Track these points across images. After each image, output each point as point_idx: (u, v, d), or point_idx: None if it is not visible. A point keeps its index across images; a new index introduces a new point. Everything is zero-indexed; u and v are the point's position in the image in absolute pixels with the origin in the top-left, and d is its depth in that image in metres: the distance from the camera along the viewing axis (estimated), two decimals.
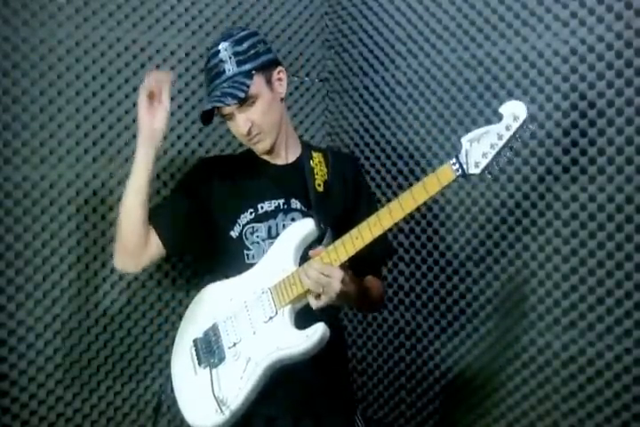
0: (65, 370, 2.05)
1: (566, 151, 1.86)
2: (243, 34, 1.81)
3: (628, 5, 1.74)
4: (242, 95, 1.73)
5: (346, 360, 1.99)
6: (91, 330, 2.09)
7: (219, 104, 1.74)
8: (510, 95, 1.99)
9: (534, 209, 1.94)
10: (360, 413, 1.91)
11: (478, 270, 2.10)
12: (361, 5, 2.49)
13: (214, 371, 1.73)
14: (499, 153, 1.47)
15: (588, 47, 1.81)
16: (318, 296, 1.63)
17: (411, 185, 2.26)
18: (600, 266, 1.81)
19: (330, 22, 2.61)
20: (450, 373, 2.20)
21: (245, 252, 1.83)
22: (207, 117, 1.83)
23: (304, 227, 1.76)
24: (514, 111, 1.46)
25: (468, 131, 2.08)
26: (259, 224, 1.82)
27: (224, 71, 1.76)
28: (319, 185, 1.84)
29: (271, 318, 1.70)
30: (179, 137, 2.25)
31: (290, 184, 1.86)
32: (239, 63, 1.76)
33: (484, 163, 1.47)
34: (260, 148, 1.86)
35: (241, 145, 2.11)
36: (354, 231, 1.62)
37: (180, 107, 2.24)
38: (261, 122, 1.79)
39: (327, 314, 1.69)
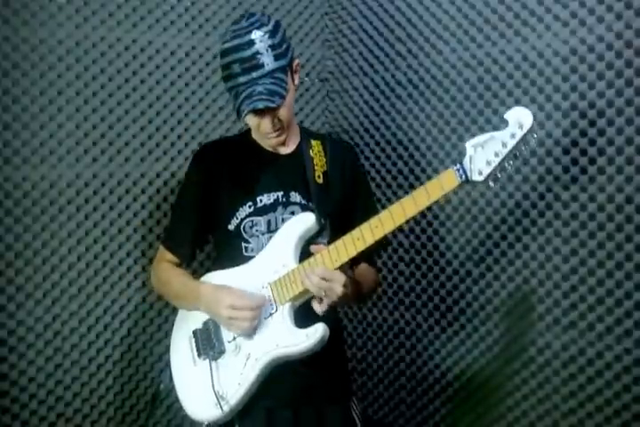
0: (65, 370, 2.05)
1: (566, 151, 1.86)
2: (273, 23, 1.72)
3: (628, 5, 1.74)
4: (285, 93, 1.69)
5: (343, 349, 1.98)
6: (91, 330, 2.09)
7: (271, 105, 1.66)
8: (510, 95, 1.99)
9: (534, 209, 1.94)
10: (355, 398, 1.89)
11: (478, 270, 2.10)
12: (361, 5, 2.49)
13: (214, 364, 1.73)
14: (503, 161, 1.45)
15: (588, 47, 1.81)
16: (320, 300, 1.63)
17: (411, 185, 2.30)
18: (600, 266, 1.81)
19: (330, 22, 2.61)
20: (450, 373, 2.20)
21: (244, 244, 1.81)
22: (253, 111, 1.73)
23: (304, 221, 1.74)
24: (519, 119, 1.44)
25: (467, 131, 2.11)
26: (258, 218, 1.80)
27: (263, 65, 1.67)
28: (319, 177, 1.82)
29: (271, 314, 1.70)
30: (179, 137, 2.25)
31: (289, 176, 1.83)
32: (276, 57, 1.68)
33: (487, 170, 1.46)
34: (275, 142, 1.81)
35: None
36: (355, 232, 1.61)
37: (180, 107, 2.25)
38: (286, 118, 1.76)
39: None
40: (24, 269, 1.98)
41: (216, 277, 1.83)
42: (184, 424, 2.21)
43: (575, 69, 1.84)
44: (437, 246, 2.22)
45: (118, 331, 2.14)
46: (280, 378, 1.71)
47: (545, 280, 1.92)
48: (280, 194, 1.80)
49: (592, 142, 1.81)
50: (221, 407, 1.68)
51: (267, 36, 1.68)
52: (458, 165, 1.49)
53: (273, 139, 1.79)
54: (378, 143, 2.43)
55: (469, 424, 2.14)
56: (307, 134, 1.91)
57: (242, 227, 1.80)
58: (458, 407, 2.18)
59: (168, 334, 1.97)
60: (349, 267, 1.83)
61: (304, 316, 1.67)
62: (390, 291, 2.37)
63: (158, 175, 2.20)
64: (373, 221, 1.59)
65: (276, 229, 1.77)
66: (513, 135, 1.44)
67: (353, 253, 1.61)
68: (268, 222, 1.79)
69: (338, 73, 2.59)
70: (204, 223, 1.88)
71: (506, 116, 1.46)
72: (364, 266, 1.89)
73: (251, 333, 1.70)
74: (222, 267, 1.84)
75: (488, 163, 1.46)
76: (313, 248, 1.67)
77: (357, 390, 2.47)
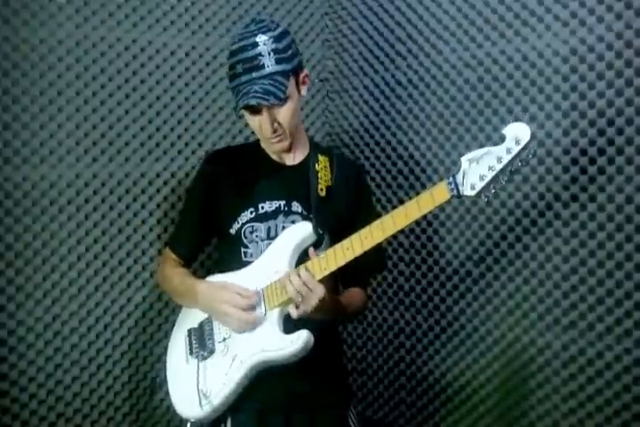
0: (65, 370, 2.05)
1: (566, 151, 1.86)
2: (280, 30, 1.77)
3: (628, 5, 1.74)
4: (282, 96, 1.72)
5: (340, 356, 1.99)
6: (91, 330, 2.09)
7: (263, 102, 1.71)
8: (510, 95, 1.99)
9: (534, 209, 1.94)
10: (354, 407, 1.90)
11: (478, 270, 2.10)
12: (361, 5, 2.49)
13: (202, 363, 1.77)
14: (497, 176, 1.45)
15: (588, 47, 1.81)
16: (297, 306, 1.66)
17: (411, 185, 2.30)
18: (600, 266, 1.81)
19: (330, 22, 2.61)
20: (450, 373, 2.20)
21: (243, 249, 1.84)
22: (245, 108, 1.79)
23: (302, 230, 1.77)
24: (516, 134, 1.43)
25: (467, 131, 2.11)
26: (258, 224, 1.83)
27: (263, 66, 1.72)
28: (322, 190, 1.84)
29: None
30: (179, 137, 2.25)
31: (293, 186, 1.86)
32: (278, 61, 1.73)
33: (480, 185, 1.46)
34: (277, 147, 1.85)
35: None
36: (345, 242, 1.64)
37: (180, 107, 2.25)
38: (287, 124, 1.79)
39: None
40: (24, 269, 1.98)
41: (213, 280, 1.87)
42: (183, 425, 2.21)
43: (575, 69, 1.84)
44: (437, 246, 2.22)
45: (118, 331, 2.14)
46: (274, 382, 1.73)
47: (545, 280, 1.92)
48: (282, 203, 1.83)
49: (592, 142, 1.81)
50: (202, 407, 1.71)
51: (271, 40, 1.74)
52: (450, 179, 1.49)
53: (275, 144, 1.82)
54: (378, 143, 2.43)
55: (469, 424, 2.14)
56: (316, 149, 1.94)
57: (242, 232, 1.83)
58: (458, 408, 2.18)
59: (168, 335, 1.98)
60: (336, 286, 1.87)
61: (294, 322, 1.68)
62: (390, 291, 2.38)
63: (158, 175, 2.20)
64: (364, 231, 1.62)
65: (276, 236, 1.81)
66: (509, 150, 1.43)
67: (342, 262, 1.64)
68: (268, 229, 1.82)
69: (338, 73, 2.59)
70: (206, 226, 1.92)
71: (504, 131, 1.45)
72: (355, 290, 1.91)
73: (245, 330, 1.72)
74: (221, 270, 1.88)
75: (481, 178, 1.46)
76: (311, 252, 1.70)
77: (357, 391, 2.47)
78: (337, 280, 1.89)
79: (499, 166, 1.44)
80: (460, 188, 1.48)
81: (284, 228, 1.81)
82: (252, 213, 1.84)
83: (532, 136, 1.42)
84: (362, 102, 2.49)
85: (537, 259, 1.94)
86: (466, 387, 2.15)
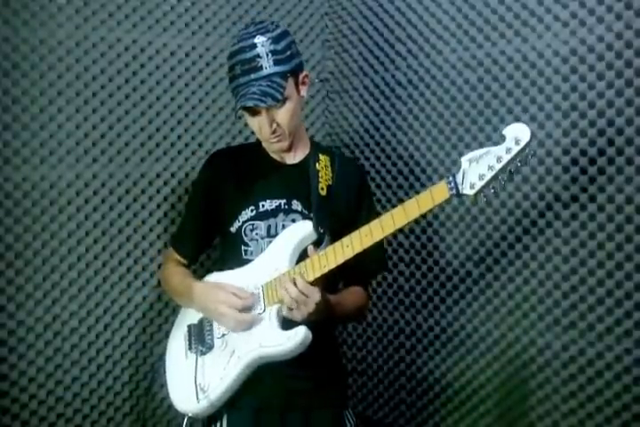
0: (65, 370, 2.05)
1: (566, 152, 1.86)
2: (279, 31, 1.78)
3: (628, 6, 1.74)
4: (280, 97, 1.73)
5: (338, 357, 1.99)
6: (91, 330, 2.09)
7: (261, 104, 1.72)
8: (510, 95, 1.99)
9: (534, 209, 1.94)
10: (351, 408, 1.91)
11: (478, 271, 2.10)
12: (361, 5, 2.49)
13: (201, 358, 1.78)
14: (496, 176, 1.46)
15: (588, 47, 1.81)
16: (290, 309, 1.67)
17: (411, 185, 2.30)
18: (600, 266, 1.81)
19: (330, 22, 2.61)
20: (450, 373, 2.20)
21: (243, 247, 1.85)
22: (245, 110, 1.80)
23: (302, 229, 1.78)
24: (516, 134, 1.44)
25: (467, 131, 2.11)
26: (259, 222, 1.84)
27: (261, 68, 1.73)
28: (322, 188, 1.85)
29: (259, 314, 1.73)
30: (179, 137, 2.25)
31: (293, 185, 1.87)
32: (276, 62, 1.74)
33: (479, 185, 1.47)
34: (277, 147, 1.86)
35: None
36: (345, 239, 1.65)
37: (179, 107, 2.25)
38: (286, 124, 1.80)
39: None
40: (24, 269, 1.98)
41: (214, 279, 1.89)
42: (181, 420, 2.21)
43: (575, 70, 1.84)
44: (437, 247, 2.22)
45: (118, 331, 2.14)
46: (270, 380, 1.74)
47: (545, 280, 1.92)
48: (283, 201, 1.84)
49: (592, 143, 1.81)
50: (199, 400, 1.73)
51: (269, 41, 1.74)
52: (450, 178, 1.51)
53: (274, 144, 1.84)
54: (378, 143, 2.43)
55: (469, 425, 2.14)
56: (317, 148, 1.95)
57: (243, 230, 1.84)
58: (458, 408, 2.18)
59: (168, 335, 1.98)
60: (335, 286, 1.88)
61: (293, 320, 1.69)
62: (390, 291, 2.38)
63: (158, 176, 2.20)
64: (363, 229, 1.63)
65: (276, 234, 1.81)
66: (509, 150, 1.44)
67: (341, 260, 1.64)
68: (268, 227, 1.83)
69: (338, 73, 2.59)
70: (208, 226, 1.94)
71: (504, 131, 1.46)
72: (355, 289, 1.91)
73: (240, 330, 1.73)
74: (222, 269, 1.89)
75: (481, 177, 1.47)
76: (311, 251, 1.70)
77: (357, 391, 2.48)
78: (336, 280, 1.89)
79: (498, 166, 1.45)
80: (460, 187, 1.49)
81: (284, 226, 1.82)
82: (252, 211, 1.85)
83: (532, 136, 1.43)
84: (362, 103, 2.49)
85: (537, 259, 1.94)
86: (466, 387, 2.15)
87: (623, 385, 1.77)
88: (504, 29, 2.01)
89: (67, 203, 2.05)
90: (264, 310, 1.73)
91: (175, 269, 1.96)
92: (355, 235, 1.64)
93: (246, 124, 2.28)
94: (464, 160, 1.50)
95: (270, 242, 1.81)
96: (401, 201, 2.28)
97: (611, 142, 1.77)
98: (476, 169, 1.47)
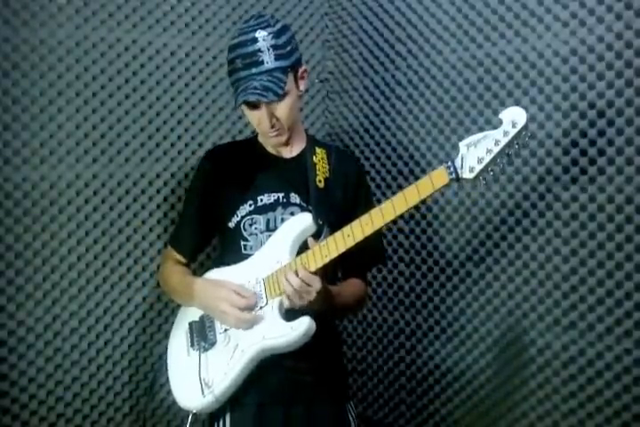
0: (65, 371, 2.05)
1: (566, 152, 1.86)
2: (279, 26, 1.79)
3: (628, 6, 1.74)
4: (281, 92, 1.74)
5: (339, 350, 2.00)
6: (91, 330, 2.09)
7: (262, 99, 1.73)
8: (510, 96, 1.99)
9: (534, 209, 1.94)
10: (353, 402, 1.92)
11: (478, 271, 2.10)
12: (361, 6, 2.49)
13: (204, 355, 1.78)
14: (494, 159, 1.48)
15: (588, 48, 1.81)
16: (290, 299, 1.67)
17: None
18: (600, 266, 1.81)
19: (330, 23, 2.61)
20: (450, 373, 2.20)
21: (243, 242, 1.85)
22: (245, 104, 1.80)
23: (302, 221, 1.78)
24: (513, 118, 1.46)
25: (467, 131, 2.11)
26: (258, 216, 1.84)
27: (262, 62, 1.73)
28: (320, 181, 1.86)
29: (261, 307, 1.74)
30: (179, 137, 2.25)
31: (290, 178, 1.88)
32: (277, 57, 1.74)
33: (478, 168, 1.48)
34: (275, 141, 1.87)
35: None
36: (346, 229, 1.65)
37: (180, 107, 2.24)
38: (285, 119, 1.80)
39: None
40: (24, 269, 1.98)
41: (214, 275, 1.89)
42: (184, 419, 2.21)
43: (575, 70, 1.84)
44: (437, 247, 2.22)
45: (118, 331, 2.14)
46: (273, 374, 1.75)
47: (545, 281, 1.92)
48: (281, 195, 1.84)
49: (592, 143, 1.81)
50: (205, 395, 1.73)
51: (270, 36, 1.75)
52: (449, 163, 1.52)
53: (273, 138, 1.84)
54: (378, 143, 2.43)
55: (470, 425, 2.14)
56: (314, 142, 1.96)
57: (242, 225, 1.84)
58: (458, 408, 2.18)
59: (168, 335, 1.98)
60: (335, 277, 1.90)
61: (296, 311, 1.69)
62: (390, 291, 2.38)
63: (158, 176, 2.20)
64: (364, 218, 1.63)
65: (275, 228, 1.82)
66: (506, 133, 1.46)
67: (342, 249, 1.64)
68: (267, 221, 1.83)
69: (338, 73, 2.59)
70: (207, 223, 1.94)
71: (500, 115, 1.48)
72: (353, 281, 1.92)
73: (242, 328, 1.74)
74: (222, 264, 1.90)
75: (479, 160, 1.48)
76: (311, 242, 1.71)
77: (357, 391, 2.47)
78: (335, 271, 1.89)
79: (496, 149, 1.47)
80: (459, 171, 1.50)
81: (282, 220, 1.83)
82: (250, 205, 1.85)
83: (528, 118, 1.45)
84: (362, 103, 2.49)
85: (537, 259, 1.94)
86: (466, 387, 2.15)
87: (623, 385, 1.77)
88: (504, 29, 2.01)
89: (67, 203, 2.05)
90: (266, 303, 1.73)
91: (174, 267, 1.97)
92: (355, 223, 1.64)
93: (247, 124, 2.29)
94: (462, 145, 1.51)
95: (270, 236, 1.81)
96: None
97: (611, 142, 1.77)
98: (475, 153, 1.49)
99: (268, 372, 1.74)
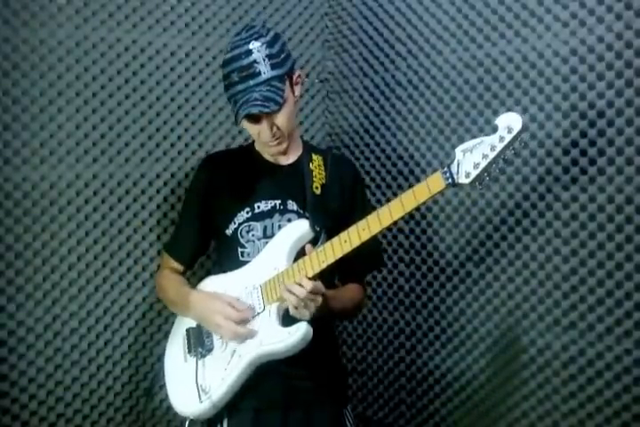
0: (65, 371, 2.05)
1: (566, 152, 1.86)
2: (272, 35, 1.79)
3: (628, 6, 1.74)
4: (281, 100, 1.74)
5: (336, 355, 2.00)
6: (91, 330, 2.09)
7: (265, 109, 1.72)
8: (510, 96, 1.99)
9: (534, 210, 1.94)
10: (351, 409, 1.92)
11: (478, 271, 2.10)
12: (361, 6, 2.49)
13: (201, 361, 1.78)
14: (490, 164, 1.48)
15: (588, 48, 1.81)
16: (295, 308, 1.66)
17: (411, 186, 2.27)
18: (600, 267, 1.81)
19: (330, 23, 2.61)
20: (450, 373, 2.20)
21: (240, 249, 1.85)
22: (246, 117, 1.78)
23: (299, 228, 1.78)
24: (509, 123, 1.46)
25: (467, 132, 2.11)
26: (255, 223, 1.85)
27: (260, 73, 1.73)
28: (316, 188, 1.86)
29: (258, 313, 1.74)
30: (179, 138, 2.25)
31: (287, 185, 1.88)
32: (273, 66, 1.74)
33: (474, 173, 1.49)
34: (275, 150, 1.86)
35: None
36: (343, 234, 1.65)
37: (179, 108, 2.24)
38: (285, 126, 1.80)
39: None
40: (24, 269, 1.98)
41: (211, 283, 1.90)
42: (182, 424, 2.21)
43: (575, 70, 1.84)
44: (437, 247, 2.22)
45: (118, 331, 2.14)
46: (270, 380, 1.75)
47: (545, 281, 1.92)
48: (278, 202, 1.85)
49: (592, 143, 1.81)
50: (202, 401, 1.72)
51: (264, 46, 1.75)
52: (445, 168, 1.52)
53: (273, 147, 1.84)
54: (378, 144, 2.43)
55: (470, 425, 2.14)
56: (309, 149, 1.96)
57: (239, 232, 1.84)
58: (458, 408, 2.18)
59: (168, 335, 1.98)
60: (332, 279, 1.89)
61: (294, 317, 1.69)
62: (390, 291, 2.37)
63: (158, 176, 2.20)
64: (361, 223, 1.63)
65: (272, 235, 1.82)
66: (502, 138, 1.47)
67: (340, 254, 1.65)
68: (265, 228, 1.84)
69: (338, 74, 2.59)
70: (204, 230, 1.95)
71: (496, 121, 1.48)
72: (351, 285, 1.93)
73: (236, 341, 1.73)
74: (219, 272, 1.90)
75: (475, 166, 1.49)
76: (307, 249, 1.71)
77: (357, 391, 2.47)
78: (333, 277, 1.89)
79: (492, 154, 1.47)
80: (455, 176, 1.51)
81: (280, 226, 1.83)
82: (247, 212, 1.86)
83: (524, 124, 1.45)
84: (362, 103, 2.49)
85: (537, 259, 1.94)
86: (466, 387, 2.15)
87: (623, 385, 1.77)
88: (504, 29, 2.01)
89: (67, 203, 2.05)
90: (263, 309, 1.73)
91: (170, 276, 1.97)
92: (352, 229, 1.64)
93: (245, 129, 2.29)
94: (458, 151, 1.52)
95: (267, 243, 1.81)
96: None
97: (611, 143, 1.77)
98: (471, 158, 1.49)
99: (266, 377, 1.74)
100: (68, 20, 2.04)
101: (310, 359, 1.73)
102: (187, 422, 1.79)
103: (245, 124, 1.83)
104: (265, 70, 1.73)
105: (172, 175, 2.23)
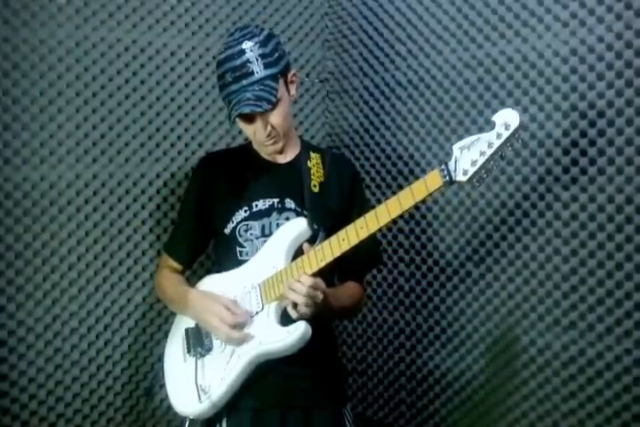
0: (65, 371, 2.05)
1: (566, 152, 1.86)
2: (265, 34, 1.79)
3: (628, 6, 1.74)
4: (274, 100, 1.74)
5: (335, 354, 2.00)
6: (91, 330, 2.09)
7: (257, 109, 1.72)
8: (510, 96, 1.99)
9: (534, 210, 1.94)
10: (351, 408, 1.92)
11: (478, 271, 2.10)
12: (361, 6, 2.49)
13: (200, 361, 1.78)
14: (488, 161, 1.48)
15: (588, 48, 1.81)
16: (295, 306, 1.66)
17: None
18: (600, 266, 1.81)
19: (330, 23, 2.61)
20: (450, 373, 2.20)
21: (238, 249, 1.85)
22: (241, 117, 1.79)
23: (297, 226, 1.78)
24: (506, 120, 1.46)
25: (467, 131, 2.11)
26: (253, 222, 1.84)
27: (253, 73, 1.73)
28: (315, 186, 1.86)
29: (257, 313, 1.74)
30: (179, 138, 2.25)
31: (285, 183, 1.88)
32: (266, 66, 1.74)
33: (472, 171, 1.48)
34: (271, 149, 1.86)
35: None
36: (341, 233, 1.65)
37: (179, 107, 2.24)
38: (280, 125, 1.80)
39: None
40: (24, 269, 1.98)
41: (209, 282, 1.90)
42: (182, 424, 2.21)
43: (575, 70, 1.85)
44: (437, 247, 2.22)
45: (118, 331, 2.14)
46: (269, 379, 1.74)
47: (545, 281, 1.92)
48: (275, 200, 1.85)
49: (592, 143, 1.81)
50: (202, 401, 1.72)
51: (257, 45, 1.75)
52: (443, 166, 1.52)
53: (269, 146, 1.84)
54: (378, 143, 2.43)
55: (469, 425, 2.14)
56: (307, 147, 1.96)
57: (237, 231, 1.84)
58: (458, 408, 2.18)
59: (167, 335, 1.98)
60: (331, 278, 1.88)
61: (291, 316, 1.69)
62: (390, 291, 2.38)
63: (158, 176, 2.20)
64: (359, 221, 1.63)
65: (270, 233, 1.82)
66: (499, 135, 1.46)
67: (338, 253, 1.64)
68: (263, 227, 1.83)
69: (338, 73, 2.59)
70: (202, 230, 1.95)
71: (493, 118, 1.48)
72: (350, 284, 1.92)
73: (230, 344, 1.73)
74: (218, 271, 1.90)
75: (473, 163, 1.48)
76: (306, 248, 1.71)
77: (357, 391, 2.48)
78: (333, 276, 1.89)
79: (490, 151, 1.47)
80: (453, 174, 1.50)
81: (278, 225, 1.82)
82: (245, 211, 1.86)
83: (522, 121, 1.45)
84: (362, 103, 2.49)
85: (537, 259, 1.94)
86: (466, 387, 2.15)
87: (623, 385, 1.77)
88: (504, 29, 2.01)
89: (67, 203, 2.05)
90: (262, 308, 1.73)
91: (169, 275, 1.97)
92: (350, 227, 1.64)
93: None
94: (455, 148, 1.51)
95: (265, 241, 1.81)
96: None
97: (611, 143, 1.77)
98: (468, 156, 1.49)
99: (265, 377, 1.74)
100: (68, 20, 2.04)
101: (309, 359, 1.73)
102: (187, 422, 1.79)
103: (240, 125, 1.83)
104: (258, 70, 1.73)
105: (172, 175, 2.23)
